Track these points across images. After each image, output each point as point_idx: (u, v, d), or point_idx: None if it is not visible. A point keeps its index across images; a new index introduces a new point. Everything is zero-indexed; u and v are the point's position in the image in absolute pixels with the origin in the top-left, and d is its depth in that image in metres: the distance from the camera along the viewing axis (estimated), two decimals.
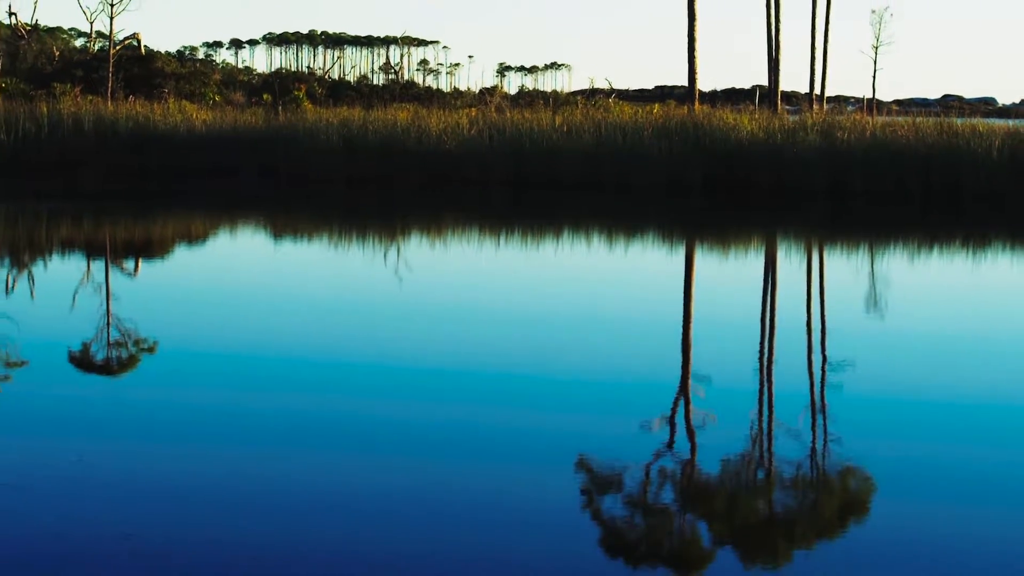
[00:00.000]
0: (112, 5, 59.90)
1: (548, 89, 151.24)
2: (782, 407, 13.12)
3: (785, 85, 69.81)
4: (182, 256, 25.91)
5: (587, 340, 16.71)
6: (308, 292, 20.78)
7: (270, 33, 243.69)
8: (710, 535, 9.41)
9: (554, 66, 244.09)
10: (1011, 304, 20.67)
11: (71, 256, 25.28)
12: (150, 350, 15.58)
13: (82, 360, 14.96)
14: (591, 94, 72.11)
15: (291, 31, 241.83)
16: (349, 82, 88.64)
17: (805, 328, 17.95)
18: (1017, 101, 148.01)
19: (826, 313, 19.27)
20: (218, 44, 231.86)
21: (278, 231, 30.74)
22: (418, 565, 8.41)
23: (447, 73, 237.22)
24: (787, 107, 67.88)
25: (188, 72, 70.57)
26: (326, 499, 9.66)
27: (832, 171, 38.96)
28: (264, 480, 10.10)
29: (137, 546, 8.60)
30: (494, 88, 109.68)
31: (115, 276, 22.19)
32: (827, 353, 16.03)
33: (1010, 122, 44.00)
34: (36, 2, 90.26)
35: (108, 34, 61.60)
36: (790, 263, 25.99)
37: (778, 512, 9.85)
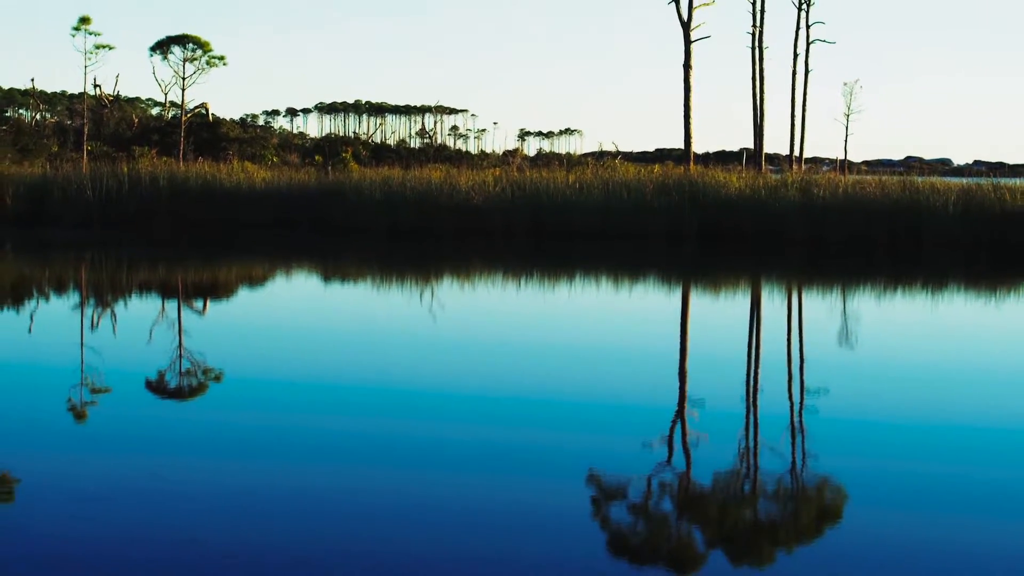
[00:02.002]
0: (184, 79, 60.05)
1: (562, 151, 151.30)
2: (766, 427, 13.12)
3: (768, 148, 69.78)
4: (244, 296, 25.94)
5: (595, 368, 16.70)
6: (353, 327, 20.81)
7: (321, 103, 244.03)
8: (704, 539, 9.40)
9: (568, 131, 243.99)
10: (966, 336, 20.64)
11: (147, 296, 25.32)
12: (217, 378, 15.60)
13: (157, 387, 14.99)
14: (600, 156, 72.18)
15: (339, 101, 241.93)
16: (390, 145, 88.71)
17: (786, 358, 17.92)
18: (970, 162, 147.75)
19: (804, 345, 19.26)
20: (276, 112, 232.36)
21: (327, 275, 30.79)
22: (446, 564, 8.43)
23: (475, 137, 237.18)
24: (770, 167, 67.80)
25: (250, 137, 70.73)
26: (364, 506, 9.68)
27: (810, 223, 39.03)
28: (313, 490, 10.12)
29: (203, 550, 8.63)
30: (516, 150, 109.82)
31: (186, 313, 22.24)
32: (805, 380, 16.01)
33: (963, 180, 44.01)
34: (118, 75, 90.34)
35: (180, 104, 61.75)
36: (773, 302, 25.96)
37: (763, 519, 9.84)
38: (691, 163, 61.27)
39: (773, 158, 75.60)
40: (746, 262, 34.75)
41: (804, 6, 68.55)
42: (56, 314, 21.97)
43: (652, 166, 52.34)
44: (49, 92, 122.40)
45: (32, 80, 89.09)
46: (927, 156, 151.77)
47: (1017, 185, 40.17)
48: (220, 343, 18.61)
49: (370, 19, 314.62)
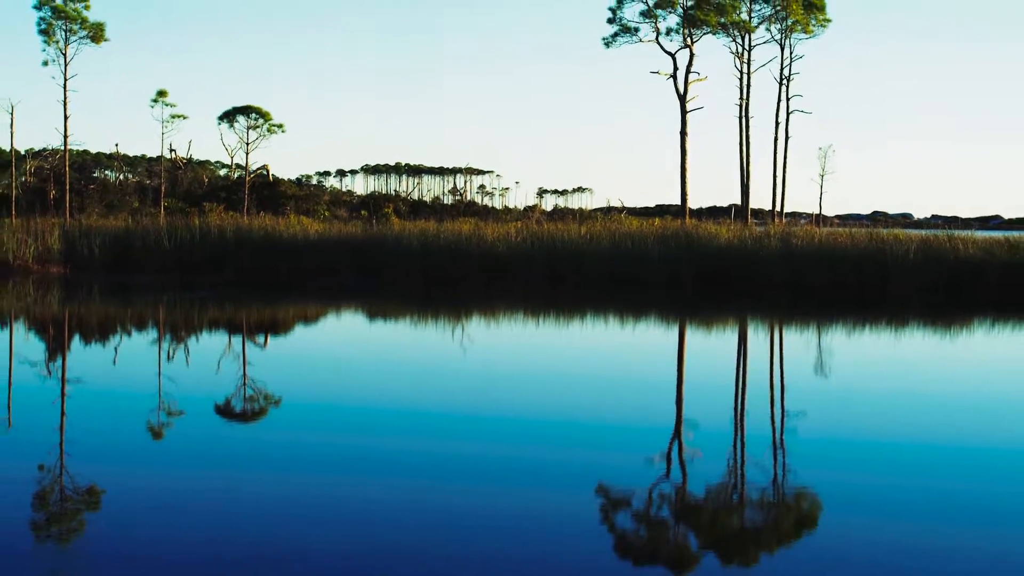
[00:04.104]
0: (247, 144, 60.51)
1: (575, 207, 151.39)
2: (752, 445, 13.09)
3: (754, 203, 69.89)
4: (299, 332, 25.98)
5: (603, 394, 16.68)
6: (393, 358, 20.81)
7: (366, 164, 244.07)
8: (698, 543, 9.40)
9: (580, 189, 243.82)
10: (925, 365, 20.58)
11: (216, 332, 25.37)
12: (277, 403, 15.63)
13: (224, 410, 15.01)
14: (607, 210, 72.41)
15: (382, 163, 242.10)
16: (426, 202, 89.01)
17: (769, 386, 17.90)
18: (928, 215, 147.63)
19: (785, 374, 19.21)
20: (327, 173, 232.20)
21: (372, 314, 30.82)
22: (472, 562, 8.44)
23: (499, 195, 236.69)
24: (755, 220, 67.84)
25: (304, 194, 71.05)
26: (401, 512, 9.69)
27: (790, 269, 39.10)
28: (358, 499, 10.16)
29: (263, 551, 8.65)
30: (535, 206, 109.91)
31: (249, 347, 22.27)
32: (786, 404, 15.99)
33: (922, 232, 44.15)
34: (190, 141, 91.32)
35: (244, 165, 62.06)
36: (757, 337, 25.92)
37: (749, 525, 9.83)
38: (687, 217, 61.51)
39: (758, 212, 75.70)
40: (734, 303, 34.72)
41: (784, 82, 68.79)
42: (136, 347, 22.03)
43: (653, 220, 52.48)
44: (131, 155, 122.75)
45: (116, 145, 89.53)
46: (891, 211, 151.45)
47: (969, 236, 40.31)
48: (279, 372, 18.63)
49: (408, 92, 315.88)
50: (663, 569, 8.65)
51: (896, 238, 40.39)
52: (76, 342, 22.88)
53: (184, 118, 58.22)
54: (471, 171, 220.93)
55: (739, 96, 67.92)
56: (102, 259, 43.48)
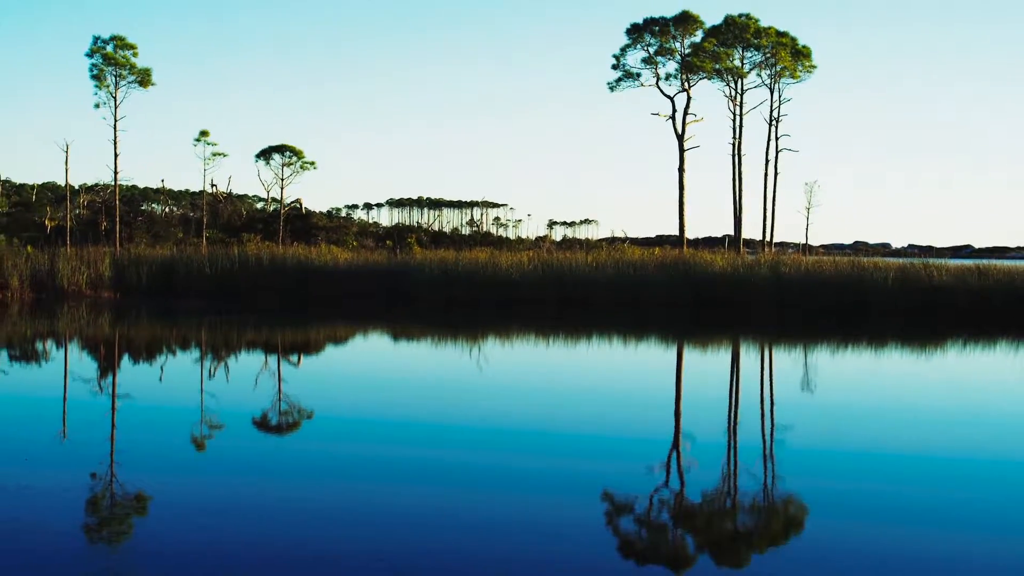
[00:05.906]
0: (282, 179, 60.66)
1: (582, 237, 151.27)
2: (744, 455, 13.08)
3: (746, 234, 69.81)
4: (330, 351, 25.99)
5: (608, 408, 16.68)
6: (415, 375, 20.82)
7: (391, 198, 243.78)
8: (694, 544, 9.40)
9: (587, 221, 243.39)
10: (903, 381, 20.56)
11: (253, 351, 25.39)
12: (309, 416, 15.64)
13: (261, 422, 15.03)
14: (612, 240, 72.39)
15: (405, 197, 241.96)
16: (445, 233, 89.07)
17: (759, 400, 17.89)
18: (905, 245, 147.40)
19: (774, 390, 19.19)
20: (355, 206, 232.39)
21: (396, 335, 30.83)
22: (489, 562, 8.46)
23: (513, 226, 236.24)
24: (747, 250, 67.84)
25: (334, 225, 71.08)
26: (422, 515, 9.71)
27: (778, 294, 39.16)
28: (384, 503, 10.17)
29: (299, 552, 8.68)
30: (545, 236, 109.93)
31: (284, 365, 22.29)
32: (775, 417, 15.98)
33: (900, 260, 44.20)
34: (230, 177, 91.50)
35: (279, 199, 62.19)
36: (749, 356, 25.89)
37: (741, 528, 9.83)
38: (684, 246, 61.55)
39: (749, 242, 75.71)
40: (728, 325, 34.70)
41: (774, 123, 68.90)
42: (181, 365, 22.07)
43: (653, 248, 52.44)
44: (175, 190, 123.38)
45: (162, 180, 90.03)
46: (871, 240, 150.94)
47: (942, 264, 40.42)
48: (311, 388, 18.65)
49: (429, 132, 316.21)
50: (663, 568, 8.66)
51: (876, 266, 40.51)
52: (125, 360, 22.93)
53: (224, 156, 58.55)
54: (487, 204, 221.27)
55: (732, 136, 68.05)
56: (149, 285, 43.65)
